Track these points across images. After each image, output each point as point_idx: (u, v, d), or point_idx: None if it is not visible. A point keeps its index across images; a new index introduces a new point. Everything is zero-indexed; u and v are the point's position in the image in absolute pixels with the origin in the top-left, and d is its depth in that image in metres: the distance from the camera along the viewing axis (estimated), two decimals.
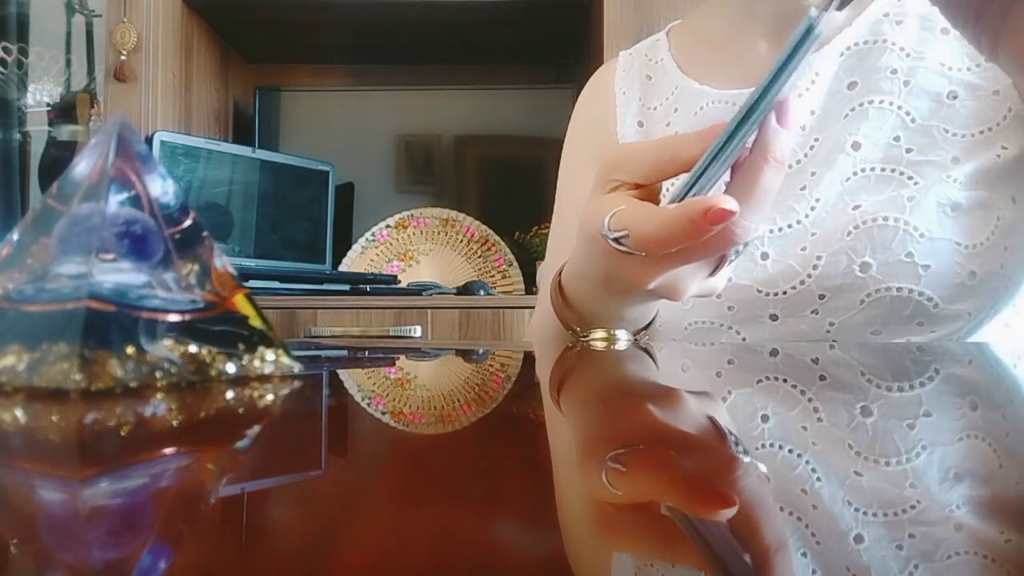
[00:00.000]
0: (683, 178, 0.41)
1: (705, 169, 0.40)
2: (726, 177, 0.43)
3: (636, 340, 0.53)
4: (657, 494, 0.17)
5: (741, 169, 0.41)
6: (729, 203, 0.38)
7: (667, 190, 0.49)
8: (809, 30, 0.36)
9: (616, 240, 0.42)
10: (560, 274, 0.55)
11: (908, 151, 0.59)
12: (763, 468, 0.19)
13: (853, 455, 0.21)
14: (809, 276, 0.60)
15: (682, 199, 0.40)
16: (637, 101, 0.74)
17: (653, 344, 0.55)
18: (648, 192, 0.45)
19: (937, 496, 0.17)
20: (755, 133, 0.40)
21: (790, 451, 0.21)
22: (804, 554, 0.14)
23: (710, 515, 0.15)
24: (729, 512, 0.15)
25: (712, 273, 0.46)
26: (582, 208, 0.47)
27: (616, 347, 0.51)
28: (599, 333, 0.53)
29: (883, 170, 0.59)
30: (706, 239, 0.39)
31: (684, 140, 0.43)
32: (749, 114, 0.38)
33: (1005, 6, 0.40)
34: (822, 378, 0.39)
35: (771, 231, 0.62)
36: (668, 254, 0.41)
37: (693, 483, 0.17)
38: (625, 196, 0.44)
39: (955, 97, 0.59)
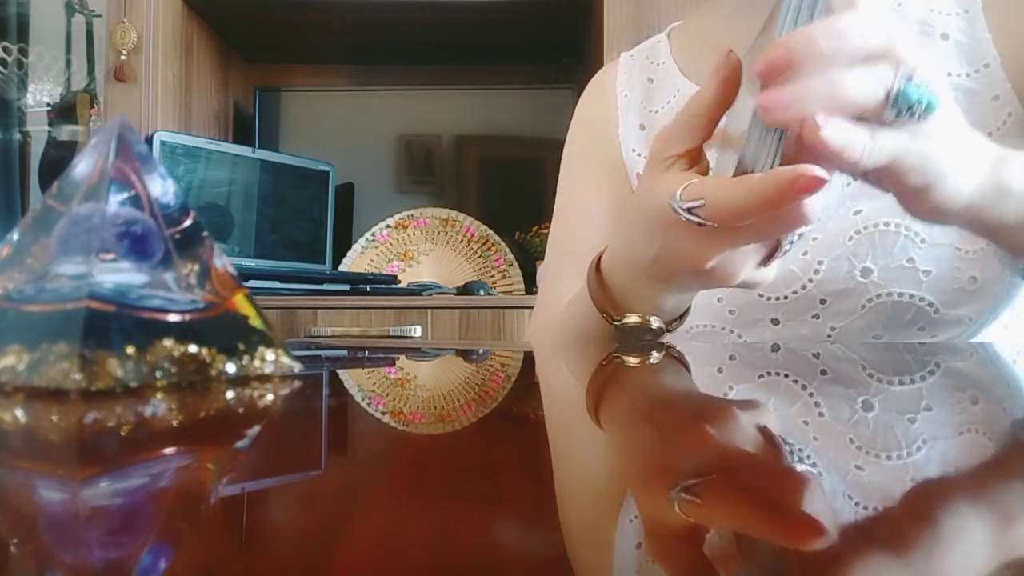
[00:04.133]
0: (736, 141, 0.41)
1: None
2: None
3: (668, 329, 0.53)
4: (744, 528, 0.15)
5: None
6: (820, 171, 0.37)
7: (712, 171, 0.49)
8: None
9: (689, 211, 0.42)
10: (599, 259, 0.55)
11: None
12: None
13: (854, 449, 0.21)
14: (810, 281, 0.60)
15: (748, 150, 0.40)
16: (639, 104, 0.74)
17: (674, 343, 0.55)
18: (702, 169, 0.45)
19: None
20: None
21: (791, 445, 0.21)
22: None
23: (804, 547, 0.14)
24: (823, 543, 0.14)
25: (763, 263, 0.46)
26: (641, 188, 0.47)
27: (651, 327, 0.51)
28: (633, 318, 0.52)
29: None
30: (784, 213, 0.39)
31: (701, 89, 0.43)
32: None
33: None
34: (823, 373, 0.39)
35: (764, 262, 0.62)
36: (738, 229, 0.41)
37: (780, 516, 0.16)
38: (690, 172, 0.44)
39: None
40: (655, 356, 0.45)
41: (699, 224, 0.42)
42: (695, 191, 0.42)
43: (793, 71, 0.37)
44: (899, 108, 0.38)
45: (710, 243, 0.43)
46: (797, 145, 0.39)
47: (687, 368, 0.42)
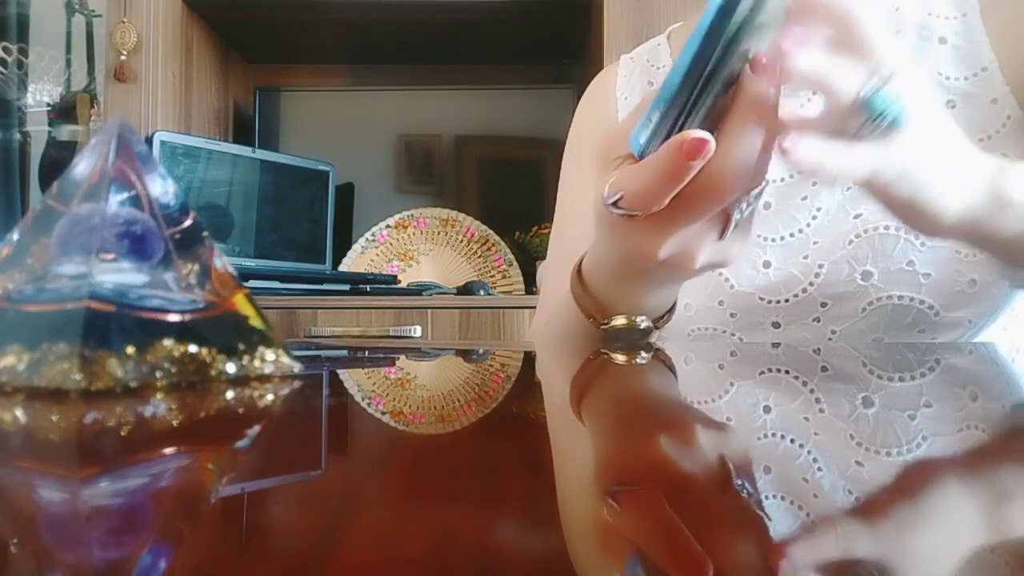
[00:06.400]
0: (644, 122, 0.41)
1: (666, 110, 0.38)
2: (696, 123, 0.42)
3: (656, 328, 0.53)
4: (638, 539, 0.15)
5: (725, 123, 0.40)
6: (698, 133, 0.37)
7: None
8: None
9: (615, 205, 0.42)
10: (580, 263, 0.55)
11: None
12: (767, 521, 0.17)
13: (854, 445, 0.21)
14: (811, 284, 0.60)
15: (643, 148, 0.40)
16: None
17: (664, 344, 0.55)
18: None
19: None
20: (709, 67, 0.37)
21: (791, 441, 0.21)
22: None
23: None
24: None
25: (721, 236, 0.45)
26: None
27: (638, 327, 0.51)
28: (620, 320, 0.52)
29: None
30: (695, 190, 0.39)
31: (650, 95, 0.42)
32: (703, 43, 0.37)
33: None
34: (824, 369, 0.39)
35: (773, 239, 0.62)
36: (665, 214, 0.41)
37: (675, 539, 0.15)
38: (624, 168, 0.44)
39: (953, 106, 0.59)
40: (643, 356, 0.45)
41: (630, 216, 0.42)
42: (615, 185, 0.42)
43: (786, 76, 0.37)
44: (867, 114, 0.38)
45: (651, 232, 0.42)
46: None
47: (672, 370, 0.42)
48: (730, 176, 0.39)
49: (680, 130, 0.38)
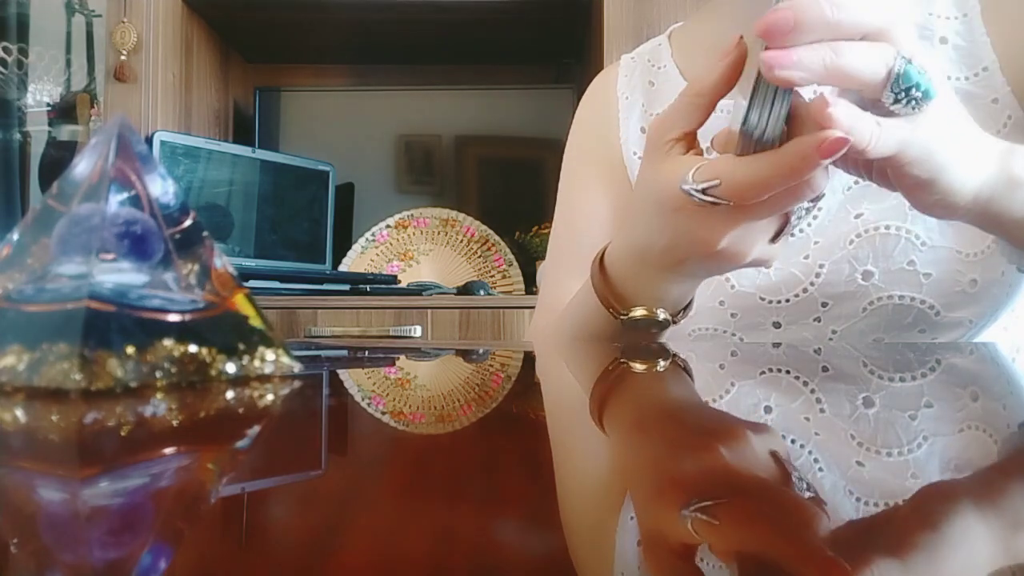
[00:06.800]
0: (736, 116, 0.41)
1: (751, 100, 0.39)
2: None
3: (674, 321, 0.53)
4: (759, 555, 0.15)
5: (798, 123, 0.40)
6: (840, 132, 0.37)
7: (707, 150, 0.49)
8: None
9: (703, 192, 0.42)
10: (602, 255, 0.55)
11: None
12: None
13: (855, 446, 0.21)
14: (812, 284, 0.60)
15: (749, 126, 0.40)
16: (640, 107, 0.74)
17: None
18: (697, 152, 0.46)
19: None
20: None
21: (792, 441, 0.21)
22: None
23: None
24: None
25: (773, 240, 0.46)
26: (644, 176, 0.47)
27: (657, 319, 0.51)
28: (639, 311, 0.52)
29: None
30: (797, 184, 0.39)
31: (703, 73, 0.44)
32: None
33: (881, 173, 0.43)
34: (824, 369, 0.39)
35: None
36: (752, 205, 0.41)
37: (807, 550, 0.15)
38: (693, 155, 0.45)
39: None
40: (661, 364, 0.44)
41: (713, 204, 0.42)
42: (708, 172, 0.42)
43: (797, 34, 0.37)
44: (898, 91, 0.38)
45: (723, 223, 0.43)
46: (797, 130, 0.39)
47: (691, 376, 0.42)
48: (820, 176, 0.39)
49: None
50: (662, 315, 0.52)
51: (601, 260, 0.55)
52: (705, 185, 0.42)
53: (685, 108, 0.45)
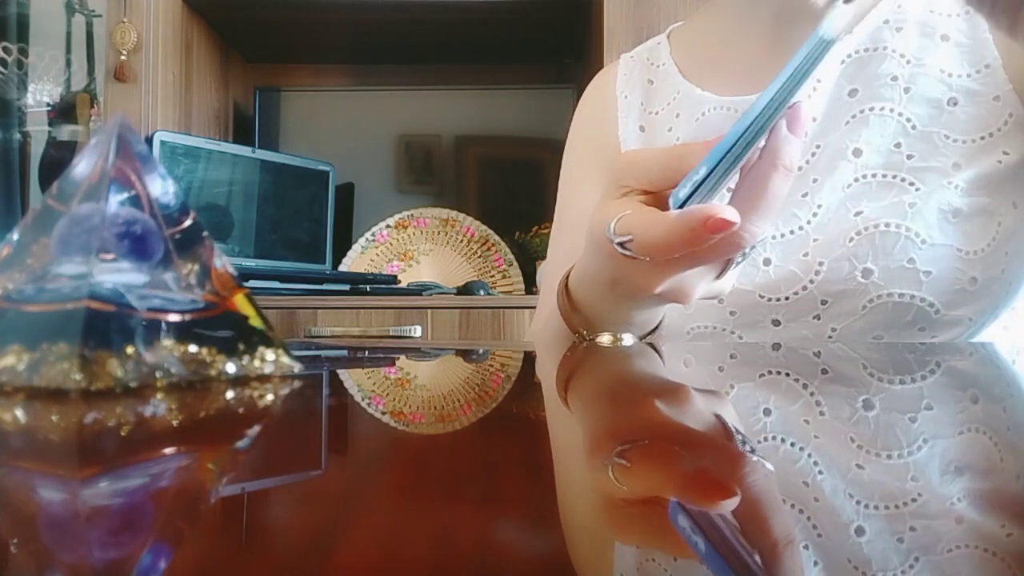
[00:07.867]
0: (690, 179, 0.41)
1: (709, 175, 0.39)
2: (733, 182, 0.42)
3: (642, 340, 0.53)
4: (661, 488, 0.17)
5: (749, 175, 0.41)
6: (729, 213, 0.37)
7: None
8: (822, 39, 0.36)
9: (621, 244, 0.42)
10: (567, 277, 0.55)
11: (909, 157, 0.59)
12: (768, 465, 0.19)
13: (855, 448, 0.21)
14: (811, 282, 0.60)
15: (683, 205, 0.40)
16: (639, 105, 0.74)
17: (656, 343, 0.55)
18: (657, 199, 0.45)
19: (938, 489, 0.17)
20: (763, 140, 0.40)
21: (792, 444, 0.21)
22: (806, 547, 0.14)
23: (713, 507, 0.15)
24: (731, 504, 0.15)
25: (719, 276, 0.46)
26: (592, 212, 0.47)
27: (623, 345, 0.51)
28: (605, 337, 0.53)
29: (884, 176, 0.60)
30: (710, 245, 0.39)
31: (691, 149, 0.42)
32: (757, 121, 0.38)
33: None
34: (824, 372, 0.39)
35: (773, 237, 0.62)
36: (672, 259, 0.41)
37: (697, 477, 0.17)
38: (633, 201, 0.44)
39: (955, 103, 0.59)
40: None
41: (633, 257, 0.42)
42: (625, 225, 0.42)
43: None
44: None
45: (652, 271, 0.43)
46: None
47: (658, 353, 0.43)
48: (749, 234, 0.40)
49: (707, 180, 0.40)
50: (628, 340, 0.52)
51: (567, 284, 0.55)
52: (621, 239, 0.42)
53: (654, 167, 0.44)
